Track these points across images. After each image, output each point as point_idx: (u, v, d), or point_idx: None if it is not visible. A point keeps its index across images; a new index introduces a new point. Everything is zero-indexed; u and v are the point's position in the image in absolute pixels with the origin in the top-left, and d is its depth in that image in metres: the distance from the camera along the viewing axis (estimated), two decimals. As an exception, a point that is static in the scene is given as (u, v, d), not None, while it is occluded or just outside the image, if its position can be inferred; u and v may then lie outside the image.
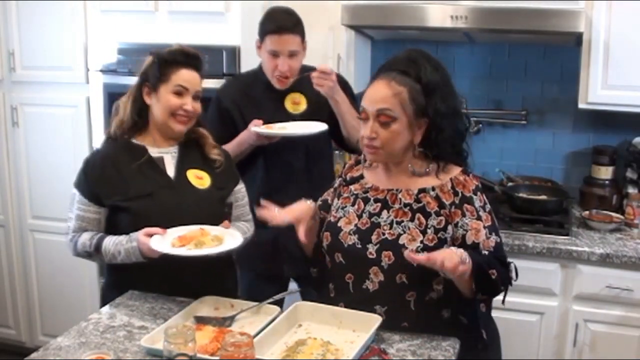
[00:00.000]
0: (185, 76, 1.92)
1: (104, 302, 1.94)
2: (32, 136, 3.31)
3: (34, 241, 3.43)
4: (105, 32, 3.04)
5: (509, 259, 1.70)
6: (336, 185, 1.88)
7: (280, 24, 2.34)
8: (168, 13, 2.92)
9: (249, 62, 2.90)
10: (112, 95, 3.04)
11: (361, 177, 1.82)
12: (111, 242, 1.87)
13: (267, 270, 2.54)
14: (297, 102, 2.46)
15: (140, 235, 1.80)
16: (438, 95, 1.63)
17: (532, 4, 2.50)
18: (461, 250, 1.54)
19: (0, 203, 3.43)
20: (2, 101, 3.33)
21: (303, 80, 2.42)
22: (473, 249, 1.62)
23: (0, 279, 3.52)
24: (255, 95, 2.47)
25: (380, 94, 1.64)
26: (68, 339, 1.63)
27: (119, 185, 1.91)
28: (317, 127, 2.34)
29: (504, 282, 1.64)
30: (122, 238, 1.86)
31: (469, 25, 2.55)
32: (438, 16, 2.58)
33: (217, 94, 2.54)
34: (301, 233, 1.68)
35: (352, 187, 1.81)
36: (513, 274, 1.69)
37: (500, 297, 1.68)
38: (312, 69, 2.43)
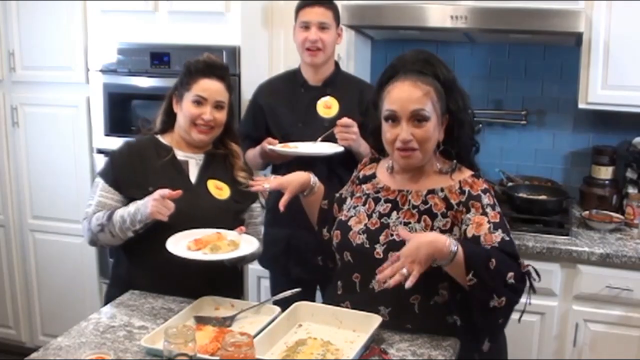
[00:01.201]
0: (204, 85, 1.94)
1: (107, 302, 1.93)
2: (32, 136, 3.31)
3: (34, 241, 3.43)
4: (105, 32, 3.04)
5: (527, 262, 1.63)
6: (351, 181, 1.92)
7: None
8: (168, 13, 2.93)
9: (249, 62, 2.91)
10: (112, 95, 3.05)
11: (374, 175, 1.84)
12: (122, 209, 1.88)
13: (280, 270, 2.58)
14: (328, 107, 2.46)
15: (157, 192, 1.80)
16: (456, 91, 1.68)
17: (532, 4, 2.50)
18: (446, 238, 1.51)
19: (0, 203, 3.44)
20: (2, 101, 3.33)
21: (337, 84, 2.46)
22: (474, 242, 1.59)
23: (0, 279, 3.52)
24: (289, 94, 2.50)
25: (413, 95, 1.63)
26: (68, 339, 1.63)
27: (140, 178, 1.93)
28: (332, 148, 2.31)
29: (518, 279, 1.55)
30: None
31: (469, 25, 2.55)
32: (438, 16, 2.58)
33: (254, 92, 2.61)
34: (282, 200, 1.82)
35: (364, 186, 1.83)
36: (534, 274, 1.63)
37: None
38: (349, 75, 2.54)
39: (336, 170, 2.38)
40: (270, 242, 2.54)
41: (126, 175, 1.95)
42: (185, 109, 1.96)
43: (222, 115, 1.99)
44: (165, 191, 1.79)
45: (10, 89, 3.31)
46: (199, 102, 1.94)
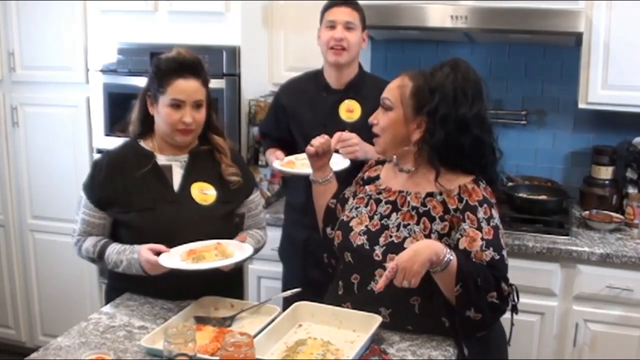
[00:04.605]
0: (180, 87, 1.84)
1: (107, 302, 1.93)
2: (32, 136, 3.31)
3: (34, 241, 3.43)
4: (105, 32, 3.04)
5: (511, 282, 1.63)
6: (355, 182, 1.92)
7: None
8: (168, 13, 2.92)
9: (249, 62, 2.91)
10: (112, 95, 3.05)
11: (377, 177, 1.84)
12: (114, 251, 1.86)
13: (296, 270, 2.58)
14: (350, 110, 2.44)
15: (142, 249, 1.78)
16: (440, 97, 1.62)
17: (532, 4, 2.50)
18: (443, 246, 1.52)
19: (0, 203, 3.43)
20: (2, 101, 3.33)
21: (360, 87, 2.43)
22: (464, 256, 1.59)
23: (0, 279, 3.52)
24: (312, 95, 2.48)
25: (390, 85, 1.72)
26: (68, 339, 1.64)
27: (121, 195, 1.88)
28: (340, 164, 2.20)
29: (500, 299, 1.58)
30: (125, 247, 1.85)
31: (469, 25, 2.55)
32: (438, 16, 2.58)
33: (277, 92, 2.62)
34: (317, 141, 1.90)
35: (367, 187, 1.83)
36: (514, 296, 1.65)
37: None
38: (373, 77, 2.50)
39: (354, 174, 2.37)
40: (290, 241, 2.55)
41: (107, 193, 1.89)
42: (163, 114, 1.86)
43: (201, 115, 1.89)
44: (154, 258, 1.74)
45: (10, 89, 3.30)
46: (177, 105, 1.84)
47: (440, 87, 1.63)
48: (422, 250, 1.50)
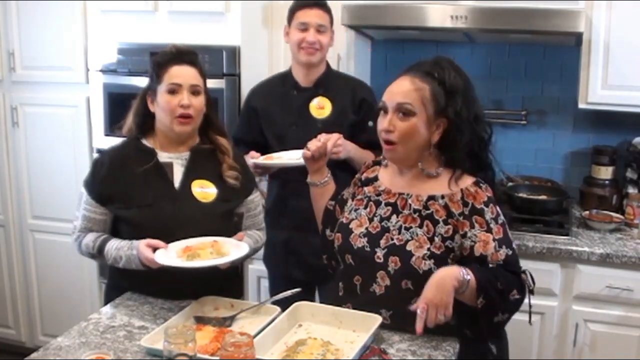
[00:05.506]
0: (175, 72, 1.86)
1: (107, 302, 1.93)
2: (32, 136, 3.31)
3: (34, 241, 3.43)
4: (105, 32, 3.04)
5: (526, 264, 1.65)
6: (353, 183, 1.91)
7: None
8: (168, 13, 2.93)
9: (249, 62, 2.91)
10: (112, 95, 3.05)
11: (376, 178, 1.83)
12: (113, 247, 1.86)
13: (280, 272, 2.58)
14: (321, 107, 2.44)
15: (140, 244, 1.78)
16: (460, 98, 1.63)
17: (532, 4, 2.50)
18: (458, 268, 1.53)
19: (0, 203, 3.44)
20: (2, 101, 3.33)
21: (329, 84, 2.44)
22: (481, 261, 1.60)
23: (0, 279, 3.52)
24: (281, 96, 2.49)
25: (402, 88, 1.64)
26: (68, 339, 1.63)
27: (122, 191, 1.89)
28: (296, 159, 2.19)
29: (520, 292, 1.61)
30: (125, 243, 1.85)
31: (469, 25, 2.55)
32: (438, 16, 2.58)
33: (247, 96, 2.60)
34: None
35: (366, 189, 1.82)
36: (529, 281, 1.65)
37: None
38: (341, 74, 2.53)
39: (335, 172, 2.37)
40: (269, 244, 2.55)
41: (109, 189, 1.90)
42: (161, 102, 1.86)
43: (199, 101, 1.88)
44: (150, 256, 1.74)
45: (10, 89, 3.31)
46: (174, 90, 1.85)
47: (456, 88, 1.63)
48: (444, 282, 1.50)
